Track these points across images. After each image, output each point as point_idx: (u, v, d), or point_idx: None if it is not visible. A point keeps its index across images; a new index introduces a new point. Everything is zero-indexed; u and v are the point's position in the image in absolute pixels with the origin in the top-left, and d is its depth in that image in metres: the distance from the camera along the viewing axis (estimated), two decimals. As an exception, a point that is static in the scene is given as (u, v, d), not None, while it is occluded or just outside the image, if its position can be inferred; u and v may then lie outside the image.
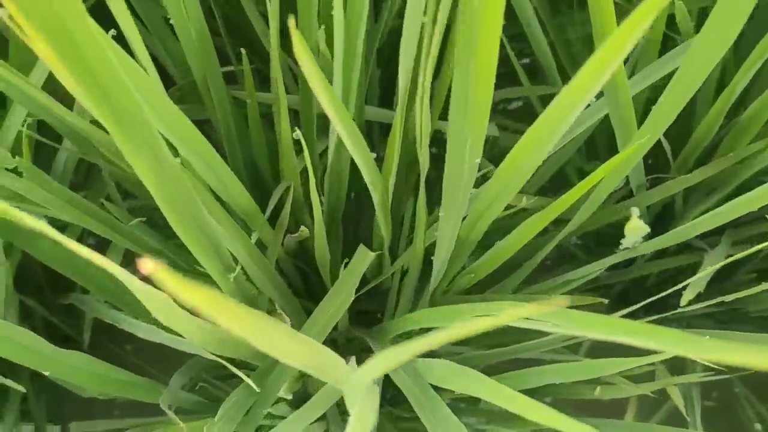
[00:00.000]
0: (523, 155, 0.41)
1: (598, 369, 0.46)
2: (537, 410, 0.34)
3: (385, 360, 0.26)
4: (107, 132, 0.51)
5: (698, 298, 0.95)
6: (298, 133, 0.42)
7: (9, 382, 0.57)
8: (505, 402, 0.36)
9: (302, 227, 0.50)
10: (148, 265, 0.17)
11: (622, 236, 0.86)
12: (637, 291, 0.88)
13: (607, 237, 0.85)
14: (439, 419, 0.38)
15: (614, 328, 0.31)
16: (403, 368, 0.43)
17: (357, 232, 0.70)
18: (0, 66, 0.47)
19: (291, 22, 0.23)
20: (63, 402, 0.80)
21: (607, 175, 0.46)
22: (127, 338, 0.90)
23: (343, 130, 0.34)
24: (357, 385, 0.29)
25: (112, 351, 0.84)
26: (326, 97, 0.29)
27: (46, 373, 0.41)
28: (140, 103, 0.30)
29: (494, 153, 0.74)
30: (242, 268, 0.47)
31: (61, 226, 0.60)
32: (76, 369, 0.43)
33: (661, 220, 0.76)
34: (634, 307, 0.46)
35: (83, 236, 0.69)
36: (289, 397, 0.45)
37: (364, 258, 0.48)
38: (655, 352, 0.42)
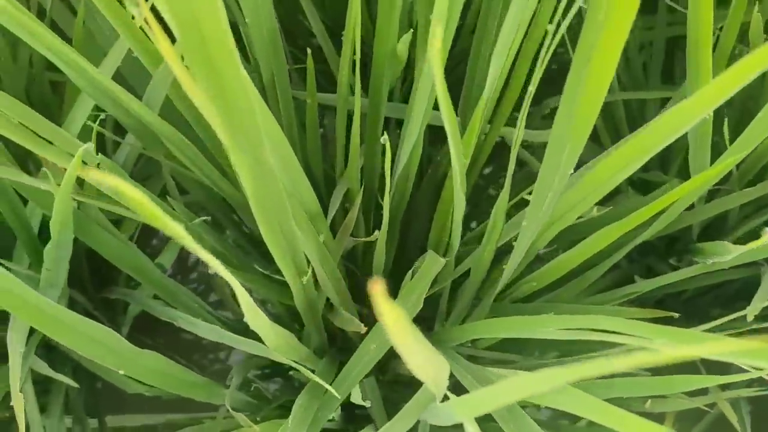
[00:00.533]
0: (609, 171, 0.40)
1: (673, 386, 0.46)
2: (633, 424, 0.34)
3: (515, 390, 0.26)
4: (175, 127, 0.51)
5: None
6: (385, 138, 0.41)
7: (63, 377, 0.57)
8: (596, 414, 0.36)
9: (376, 231, 0.49)
10: (377, 285, 0.16)
11: (662, 245, 0.86)
12: (673, 301, 0.88)
13: (648, 246, 0.85)
14: (524, 432, 0.38)
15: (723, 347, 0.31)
16: (479, 380, 0.43)
17: (406, 235, 0.70)
18: (72, 53, 0.46)
19: (435, 22, 0.23)
20: (99, 395, 0.80)
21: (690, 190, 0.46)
22: (160, 333, 0.90)
23: (451, 135, 0.33)
24: (470, 409, 0.28)
25: (145, 344, 0.83)
26: (445, 102, 0.29)
27: (120, 372, 0.41)
28: (254, 104, 0.30)
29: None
30: (313, 271, 0.46)
31: (115, 221, 0.59)
32: (149, 369, 0.43)
33: (705, 229, 0.76)
34: (716, 322, 0.45)
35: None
36: (368, 404, 0.44)
37: (433, 264, 0.48)
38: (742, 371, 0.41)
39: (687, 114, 0.34)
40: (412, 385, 0.69)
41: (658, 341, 0.39)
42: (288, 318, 0.68)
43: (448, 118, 0.31)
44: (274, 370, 0.76)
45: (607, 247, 0.54)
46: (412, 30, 0.45)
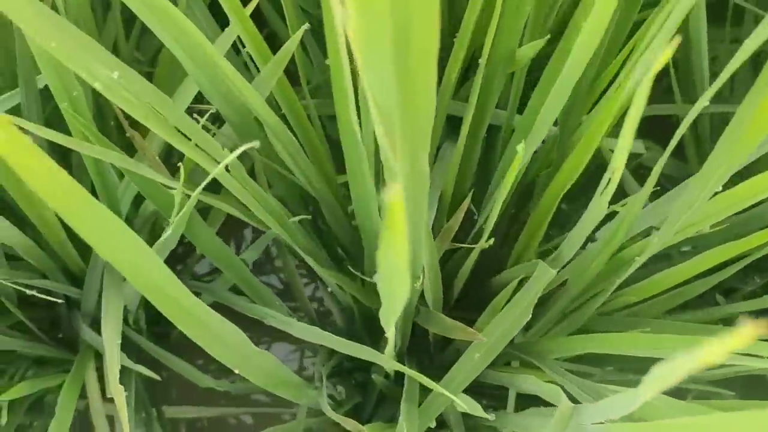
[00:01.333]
0: (734, 200, 0.40)
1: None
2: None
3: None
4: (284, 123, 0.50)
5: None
6: (521, 147, 0.40)
7: (145, 370, 0.56)
8: None
9: (482, 240, 0.48)
10: (754, 328, 0.15)
11: (733, 261, 0.84)
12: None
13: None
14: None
15: None
16: (595, 397, 0.42)
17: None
18: (187, 23, 0.43)
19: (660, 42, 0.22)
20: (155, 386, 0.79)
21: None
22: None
23: (625, 149, 0.32)
24: None
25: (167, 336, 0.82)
26: (633, 121, 0.28)
27: (236, 371, 0.40)
28: (433, 109, 0.29)
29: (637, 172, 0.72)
30: (424, 277, 0.46)
31: (201, 209, 0.58)
32: (261, 369, 0.42)
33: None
34: None
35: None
36: (492, 417, 0.43)
37: (544, 275, 0.47)
38: None
39: None
40: (488, 395, 0.68)
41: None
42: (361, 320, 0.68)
43: (628, 134, 0.30)
44: (336, 370, 0.75)
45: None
46: (550, 35, 0.44)
